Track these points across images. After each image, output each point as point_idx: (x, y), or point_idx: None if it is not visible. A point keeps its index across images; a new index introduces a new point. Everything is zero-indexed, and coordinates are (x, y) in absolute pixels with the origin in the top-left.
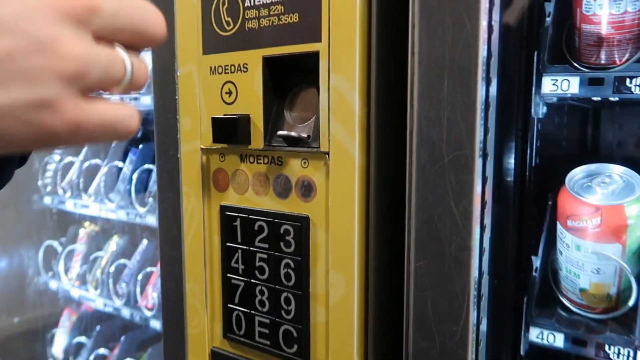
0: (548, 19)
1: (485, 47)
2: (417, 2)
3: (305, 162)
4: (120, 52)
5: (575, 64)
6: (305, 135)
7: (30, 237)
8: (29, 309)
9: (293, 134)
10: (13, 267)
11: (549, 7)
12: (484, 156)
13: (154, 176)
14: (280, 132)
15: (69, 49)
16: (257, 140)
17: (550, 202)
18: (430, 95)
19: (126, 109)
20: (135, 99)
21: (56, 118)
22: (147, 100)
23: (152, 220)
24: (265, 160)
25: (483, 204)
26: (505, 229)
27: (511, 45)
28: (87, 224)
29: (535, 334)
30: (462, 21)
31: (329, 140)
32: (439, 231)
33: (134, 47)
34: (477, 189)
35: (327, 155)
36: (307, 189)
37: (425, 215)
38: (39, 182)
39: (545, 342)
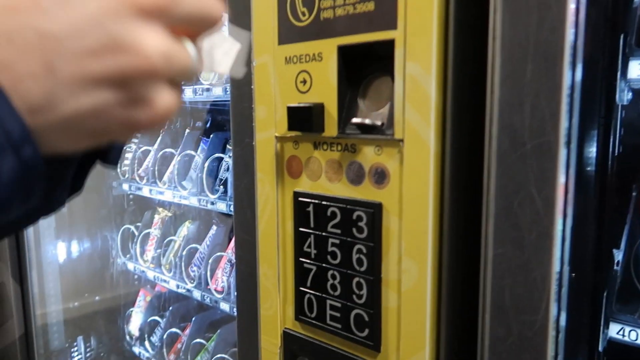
0: (636, 0)
1: (573, 30)
2: None
3: (379, 149)
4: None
5: None
6: (379, 123)
7: (111, 220)
8: (108, 288)
9: (367, 121)
10: (97, 249)
11: None
12: (568, 143)
13: (224, 164)
14: (354, 120)
15: (150, 44)
16: (331, 128)
17: (634, 193)
18: (513, 80)
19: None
20: (208, 89)
21: (146, 113)
22: (218, 91)
23: (222, 206)
24: (339, 148)
25: (566, 193)
26: (584, 220)
27: (595, 27)
28: (161, 209)
29: (616, 330)
30: (548, 3)
31: (403, 127)
32: (519, 219)
33: (195, 34)
34: (561, 177)
35: (401, 143)
36: (380, 176)
37: (504, 203)
38: (118, 170)
39: (627, 339)
